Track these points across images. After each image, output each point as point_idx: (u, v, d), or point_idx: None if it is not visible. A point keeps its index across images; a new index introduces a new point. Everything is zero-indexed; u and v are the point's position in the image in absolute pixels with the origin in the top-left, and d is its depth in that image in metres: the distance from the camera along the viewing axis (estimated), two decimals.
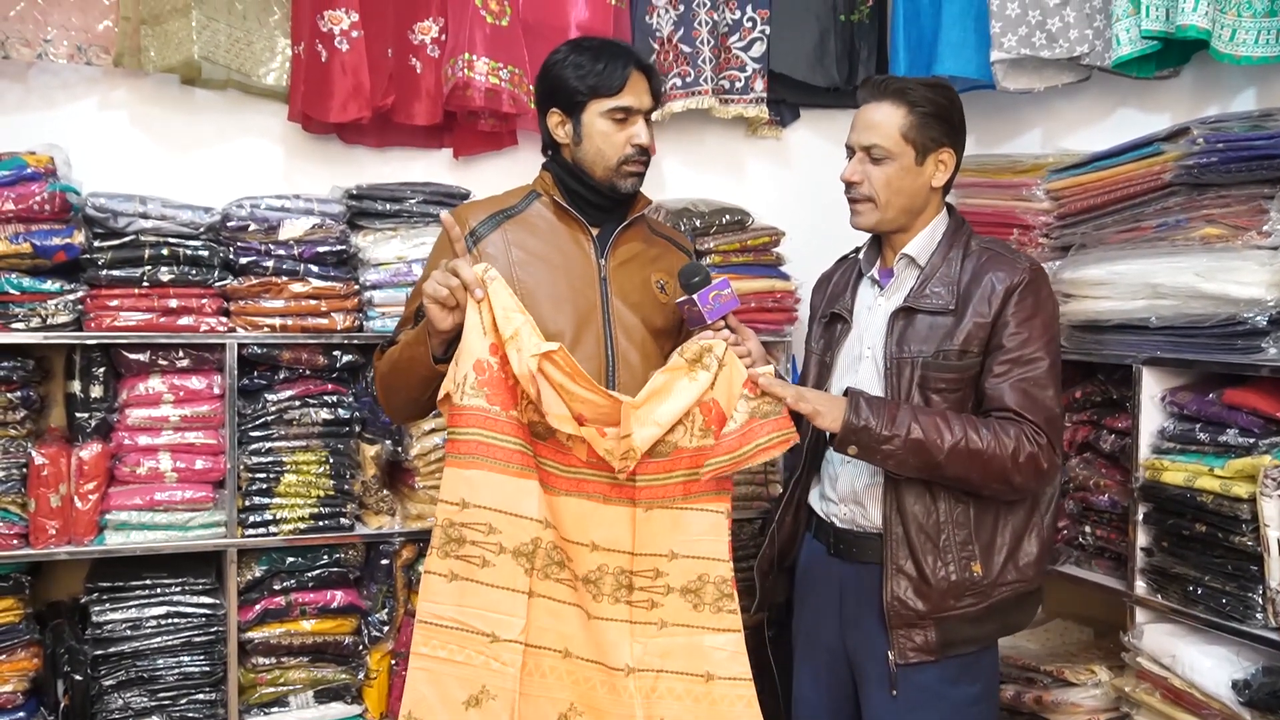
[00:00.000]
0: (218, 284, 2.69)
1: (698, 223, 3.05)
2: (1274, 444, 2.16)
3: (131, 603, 2.64)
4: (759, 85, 3.29)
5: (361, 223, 2.87)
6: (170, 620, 2.65)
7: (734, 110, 3.30)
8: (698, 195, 3.25)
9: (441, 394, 1.95)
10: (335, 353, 2.81)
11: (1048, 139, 3.19)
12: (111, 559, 2.67)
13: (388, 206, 2.87)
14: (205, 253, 2.68)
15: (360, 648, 2.82)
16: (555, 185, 2.14)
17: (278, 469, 2.73)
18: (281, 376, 2.79)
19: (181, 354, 2.70)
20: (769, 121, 3.41)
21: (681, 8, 3.20)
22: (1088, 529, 2.62)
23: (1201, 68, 2.71)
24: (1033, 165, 2.83)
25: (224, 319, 2.70)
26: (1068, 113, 3.13)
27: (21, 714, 2.55)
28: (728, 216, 3.12)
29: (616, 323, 2.11)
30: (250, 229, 2.72)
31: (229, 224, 2.72)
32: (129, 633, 2.62)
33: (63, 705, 2.57)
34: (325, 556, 2.80)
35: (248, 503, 2.71)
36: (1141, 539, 2.41)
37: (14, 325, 2.53)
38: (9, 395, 2.55)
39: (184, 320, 2.66)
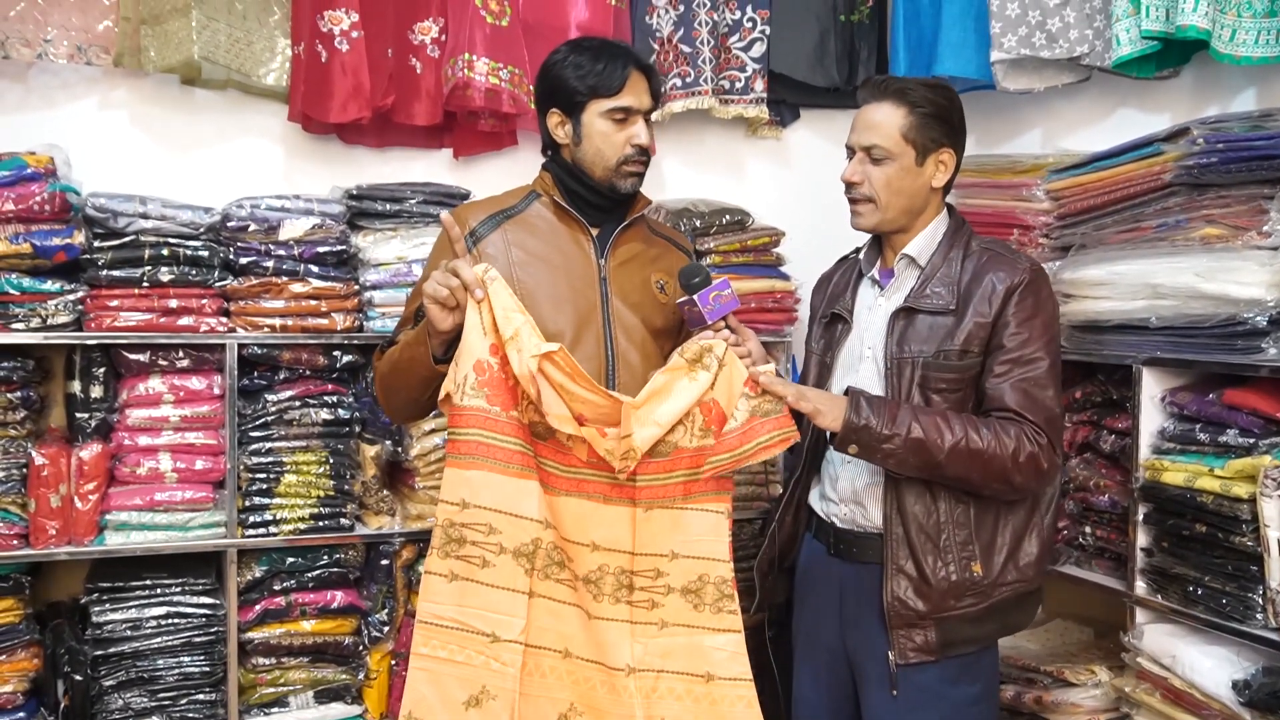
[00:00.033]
0: (218, 284, 2.69)
1: (698, 223, 3.06)
2: (1274, 444, 2.16)
3: (131, 603, 2.64)
4: (759, 85, 3.29)
5: (361, 223, 2.87)
6: (170, 620, 2.65)
7: (734, 110, 3.30)
8: (698, 195, 3.25)
9: (442, 395, 1.95)
10: (335, 353, 2.81)
11: (1048, 139, 3.19)
12: (111, 559, 2.67)
13: (388, 207, 2.87)
14: (205, 253, 2.68)
15: (360, 648, 2.82)
16: (555, 185, 2.14)
17: (278, 469, 2.73)
18: (281, 377, 2.79)
19: (181, 354, 2.70)
20: (769, 122, 3.41)
21: (681, 8, 3.20)
22: (1088, 529, 2.62)
23: (1201, 68, 2.71)
24: (1033, 165, 2.83)
25: (224, 319, 2.70)
26: (1068, 113, 3.13)
27: (21, 714, 2.55)
28: (728, 217, 3.12)
29: (616, 323, 2.11)
30: (250, 229, 2.72)
31: (229, 224, 2.72)
32: (129, 633, 2.62)
33: (63, 705, 2.57)
34: (325, 557, 2.80)
35: (248, 503, 2.71)
36: (1141, 539, 2.41)
37: (14, 325, 2.53)
38: (9, 395, 2.55)
39: (184, 320, 2.66)
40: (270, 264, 2.72)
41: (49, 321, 2.55)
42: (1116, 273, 2.48)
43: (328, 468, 2.77)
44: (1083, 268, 2.57)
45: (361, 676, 2.84)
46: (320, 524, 2.76)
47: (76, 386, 2.67)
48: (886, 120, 2.07)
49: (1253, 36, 2.41)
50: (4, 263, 2.50)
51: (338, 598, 2.79)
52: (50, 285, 2.56)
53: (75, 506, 2.58)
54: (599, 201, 2.14)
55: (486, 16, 2.96)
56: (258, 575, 2.74)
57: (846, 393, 2.01)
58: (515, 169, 3.09)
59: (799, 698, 2.26)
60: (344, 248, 2.80)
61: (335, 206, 2.82)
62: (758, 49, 3.28)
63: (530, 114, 2.88)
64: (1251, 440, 2.19)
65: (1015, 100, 3.19)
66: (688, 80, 3.21)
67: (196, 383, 2.70)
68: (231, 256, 2.72)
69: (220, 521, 2.70)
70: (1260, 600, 2.14)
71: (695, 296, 1.97)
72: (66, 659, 2.58)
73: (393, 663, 2.87)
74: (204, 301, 2.68)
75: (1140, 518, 2.40)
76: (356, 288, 2.81)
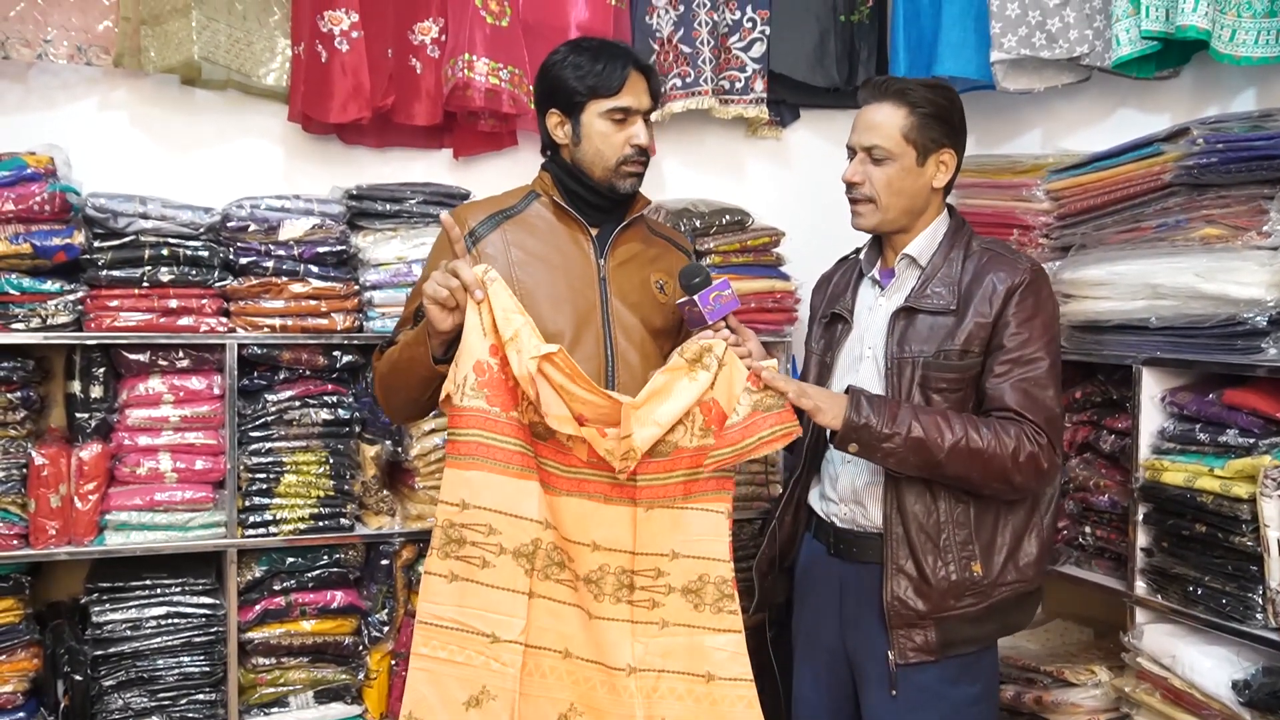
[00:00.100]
0: (218, 284, 2.69)
1: (698, 223, 3.05)
2: (1274, 444, 2.16)
3: (131, 603, 2.64)
4: (759, 85, 3.29)
5: (361, 223, 2.88)
6: (170, 620, 2.65)
7: (734, 110, 3.30)
8: (698, 195, 3.25)
9: (442, 395, 1.95)
10: (335, 353, 2.81)
11: (1048, 139, 3.19)
12: (111, 559, 2.67)
13: (388, 207, 2.87)
14: (205, 253, 2.68)
15: (360, 648, 2.82)
16: (554, 185, 2.14)
17: (278, 469, 2.73)
18: (281, 377, 2.79)
19: (181, 354, 2.70)
20: (769, 122, 3.41)
21: (681, 8, 3.20)
22: (1088, 529, 2.62)
23: (1201, 68, 2.71)
24: (1033, 165, 2.83)
25: (224, 319, 2.70)
26: (1068, 113, 3.13)
27: (21, 714, 2.55)
28: (728, 217, 3.12)
29: (616, 323, 2.11)
30: (250, 229, 2.72)
31: (229, 224, 2.72)
32: (129, 633, 2.62)
33: (63, 705, 2.57)
34: (325, 557, 2.80)
35: (248, 503, 2.71)
36: (1141, 539, 2.41)
37: (14, 325, 2.53)
38: (9, 395, 2.55)
39: (184, 320, 2.66)
40: (270, 264, 2.72)
41: (49, 321, 2.55)
42: (1116, 273, 2.48)
43: (328, 468, 2.77)
44: (1083, 268, 2.57)
45: (361, 676, 2.84)
46: (320, 524, 2.76)
47: (76, 386, 2.67)
48: (887, 121, 2.08)
49: (1253, 36, 2.41)
50: (4, 263, 2.50)
51: (338, 598, 2.79)
52: (50, 285, 2.56)
53: (75, 506, 2.58)
54: (598, 201, 2.14)
55: (486, 17, 2.96)
56: (258, 575, 2.74)
57: (847, 391, 2.01)
58: (515, 169, 3.10)
59: (799, 698, 2.26)
60: (344, 248, 2.80)
61: (335, 206, 2.82)
62: (758, 49, 3.28)
63: (530, 114, 2.88)
64: (1251, 440, 2.19)
65: (1015, 100, 3.19)
66: (688, 80, 3.21)
67: (196, 383, 2.70)
68: (231, 256, 2.72)
69: (220, 521, 2.70)
70: (1260, 600, 2.14)
71: (695, 297, 1.97)
72: (66, 659, 2.58)
73: (393, 663, 2.87)
74: (204, 301, 2.68)
75: (1140, 518, 2.40)
76: (356, 288, 2.81)
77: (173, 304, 2.65)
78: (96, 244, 2.62)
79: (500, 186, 2.27)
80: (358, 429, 2.83)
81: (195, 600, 2.67)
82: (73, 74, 2.86)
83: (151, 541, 2.65)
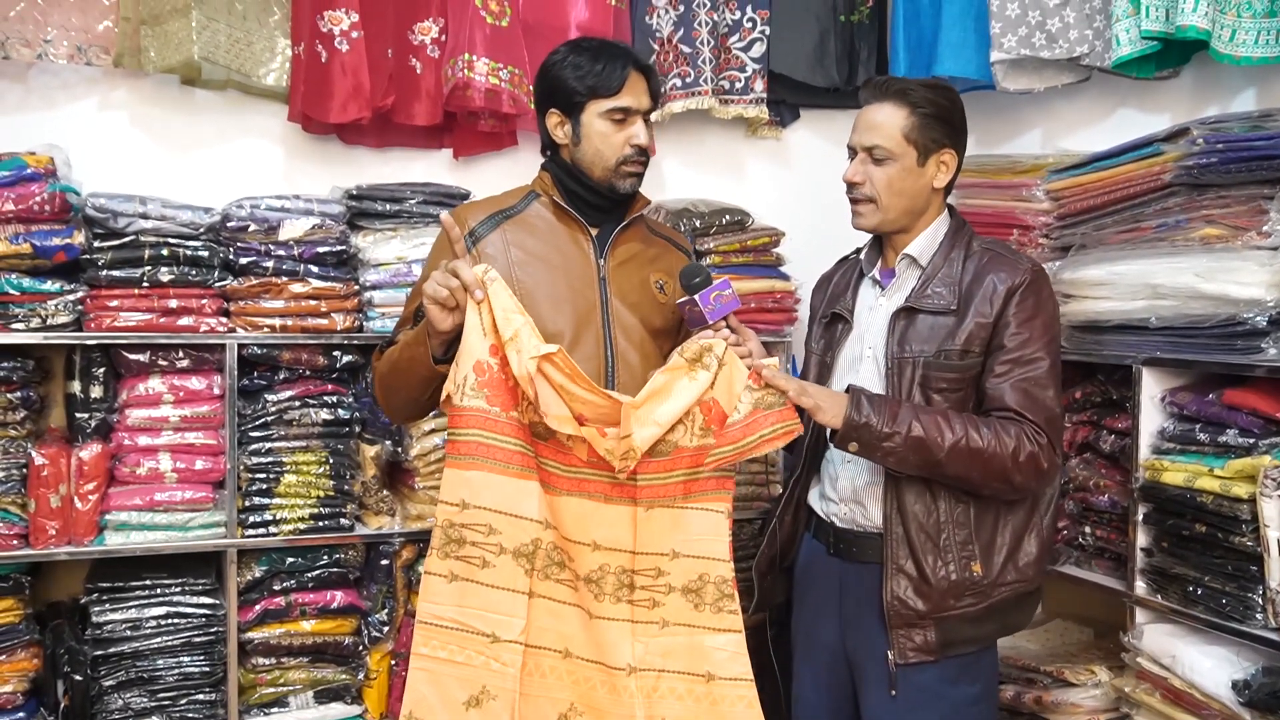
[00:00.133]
0: (218, 284, 2.69)
1: (698, 223, 3.05)
2: (1274, 444, 2.16)
3: (131, 603, 2.64)
4: (759, 86, 3.29)
5: (361, 223, 2.88)
6: (170, 620, 2.65)
7: (734, 111, 3.30)
8: (698, 195, 3.25)
9: (444, 396, 1.95)
10: (335, 353, 2.81)
11: (1048, 139, 3.19)
12: (111, 559, 2.67)
13: (388, 207, 2.87)
14: (205, 253, 2.68)
15: (360, 648, 2.82)
16: (554, 185, 2.14)
17: (278, 469, 2.73)
18: (281, 377, 2.79)
19: (181, 354, 2.70)
20: (769, 122, 3.41)
21: (681, 8, 3.20)
22: (1088, 529, 2.62)
23: (1201, 68, 2.71)
24: (1033, 165, 2.83)
25: (224, 319, 2.70)
26: (1068, 113, 3.13)
27: (21, 714, 2.55)
28: (728, 217, 3.12)
29: (615, 323, 2.11)
30: (250, 229, 2.72)
31: (229, 224, 2.72)
32: (129, 633, 2.62)
33: (63, 705, 2.57)
34: (325, 557, 2.80)
35: (248, 503, 2.71)
36: (1141, 539, 2.41)
37: (14, 325, 2.53)
38: (9, 395, 2.55)
39: (184, 320, 2.66)
40: (270, 264, 2.72)
41: (49, 321, 2.55)
42: (1116, 273, 2.48)
43: (328, 468, 2.77)
44: (1083, 268, 2.57)
45: (361, 676, 2.84)
46: (320, 524, 2.76)
47: (76, 386, 2.67)
48: (888, 121, 2.08)
49: (1252, 37, 2.41)
50: (4, 263, 2.51)
51: (338, 598, 2.79)
52: (50, 285, 2.56)
53: (75, 506, 2.58)
54: (598, 201, 2.14)
55: (486, 17, 2.96)
56: (258, 575, 2.74)
57: (847, 390, 2.01)
58: (515, 169, 3.10)
59: (799, 698, 2.26)
60: (344, 248, 2.80)
61: (335, 206, 2.82)
62: (758, 49, 3.28)
63: (530, 114, 2.88)
64: (1251, 440, 2.19)
65: (1015, 100, 3.19)
66: (688, 80, 3.21)
67: (196, 383, 2.70)
68: (231, 256, 2.72)
69: (220, 521, 2.70)
70: (1260, 600, 2.14)
71: (696, 296, 1.97)
72: (66, 659, 2.58)
73: (393, 663, 2.87)
74: (204, 301, 2.68)
75: (1140, 518, 2.40)
76: (356, 288, 2.81)
77: (173, 304, 2.65)
78: (96, 244, 2.62)
79: (500, 186, 2.27)
80: (358, 429, 2.83)
81: (195, 600, 2.67)
82: (73, 74, 2.86)
83: (151, 541, 2.65)
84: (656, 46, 3.21)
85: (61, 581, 2.86)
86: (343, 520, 2.78)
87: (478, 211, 2.15)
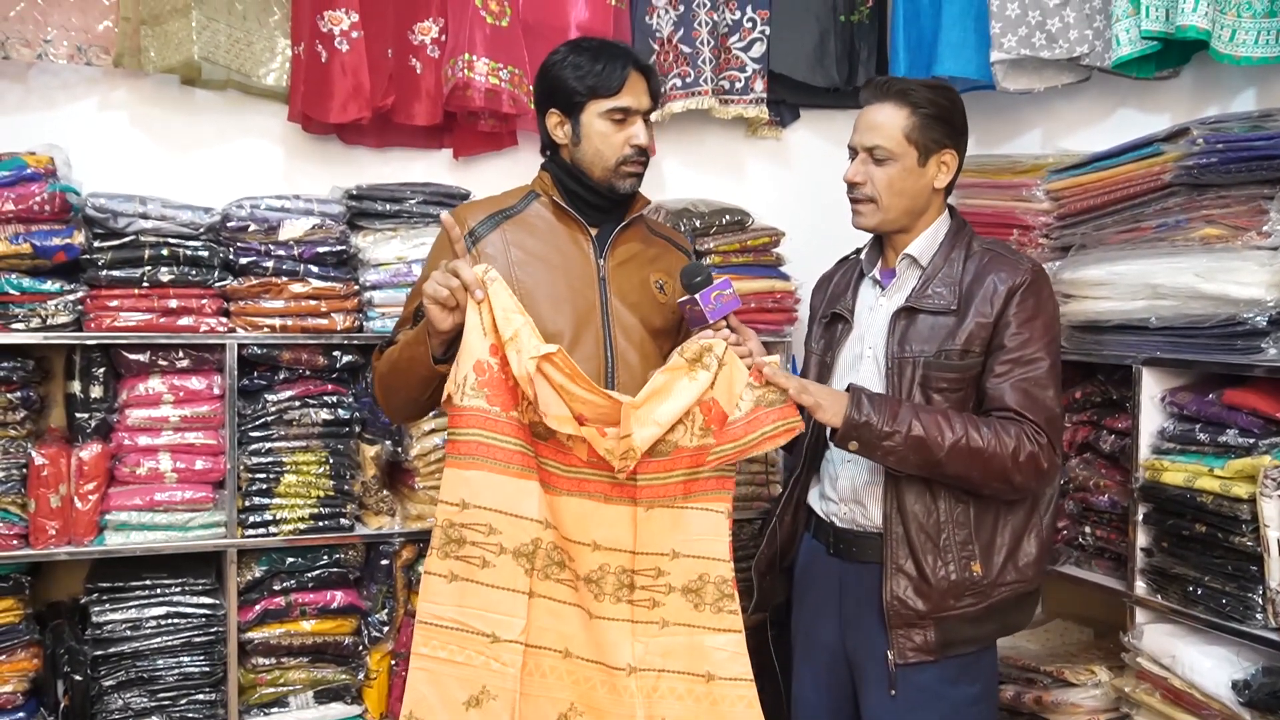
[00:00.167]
0: (218, 284, 2.69)
1: (698, 223, 3.06)
2: (1274, 444, 2.16)
3: (131, 603, 2.64)
4: (759, 86, 3.29)
5: (361, 223, 2.88)
6: (170, 620, 2.65)
7: (734, 111, 3.30)
8: (698, 195, 3.25)
9: (444, 395, 1.95)
10: (335, 353, 2.81)
11: (1048, 139, 3.19)
12: (111, 559, 2.67)
13: (388, 207, 2.87)
14: (205, 253, 2.68)
15: (360, 648, 2.82)
16: (554, 185, 2.14)
17: (278, 469, 2.73)
18: (281, 377, 2.79)
19: (181, 354, 2.70)
20: (769, 122, 3.41)
21: (681, 8, 3.20)
22: (1088, 529, 2.62)
23: (1201, 68, 2.71)
24: (1033, 166, 2.83)
25: (224, 319, 2.70)
26: (1068, 113, 3.13)
27: (21, 714, 2.55)
28: (728, 217, 3.12)
29: (615, 323, 2.11)
30: (250, 229, 2.72)
31: (229, 224, 2.72)
32: (129, 633, 2.62)
33: (63, 705, 2.57)
34: (325, 557, 2.80)
35: (248, 503, 2.71)
36: (1141, 539, 2.41)
37: (14, 325, 2.53)
38: (9, 395, 2.55)
39: (184, 320, 2.66)
40: (270, 264, 2.72)
41: (49, 321, 2.55)
42: (1116, 273, 2.48)
43: (328, 468, 2.76)
44: (1083, 268, 2.57)
45: (361, 676, 2.84)
46: (320, 524, 2.76)
47: (76, 386, 2.67)
48: (889, 121, 2.08)
49: (1252, 37, 2.41)
50: (4, 263, 2.51)
51: (337, 598, 2.79)
52: (50, 285, 2.56)
53: (75, 506, 2.58)
54: (598, 201, 2.14)
55: (486, 17, 2.96)
56: (258, 575, 2.74)
57: (848, 389, 2.01)
58: (515, 169, 3.09)
59: (799, 699, 2.26)
60: (344, 248, 2.80)
61: (335, 206, 2.82)
62: (758, 49, 3.28)
63: (530, 114, 2.88)
64: (1251, 440, 2.19)
65: (1015, 100, 3.19)
66: (688, 80, 3.21)
67: (196, 383, 2.70)
68: (231, 256, 2.72)
69: (220, 521, 2.70)
70: (1260, 600, 2.14)
71: (697, 296, 1.97)
72: (66, 659, 2.58)
73: (393, 663, 2.87)
74: (204, 301, 2.68)
75: (1140, 518, 2.40)
76: (356, 288, 2.81)
77: (173, 304, 2.65)
78: (96, 244, 2.62)
79: (500, 186, 2.27)
80: (358, 429, 2.83)
81: (195, 600, 2.67)
82: (73, 74, 2.86)
83: (151, 541, 2.65)
84: (656, 46, 3.21)
85: (61, 581, 2.86)
86: (343, 520, 2.78)
87: (477, 211, 2.15)
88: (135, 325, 2.62)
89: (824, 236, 2.85)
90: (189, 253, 2.66)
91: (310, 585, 2.77)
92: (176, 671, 2.64)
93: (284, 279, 2.73)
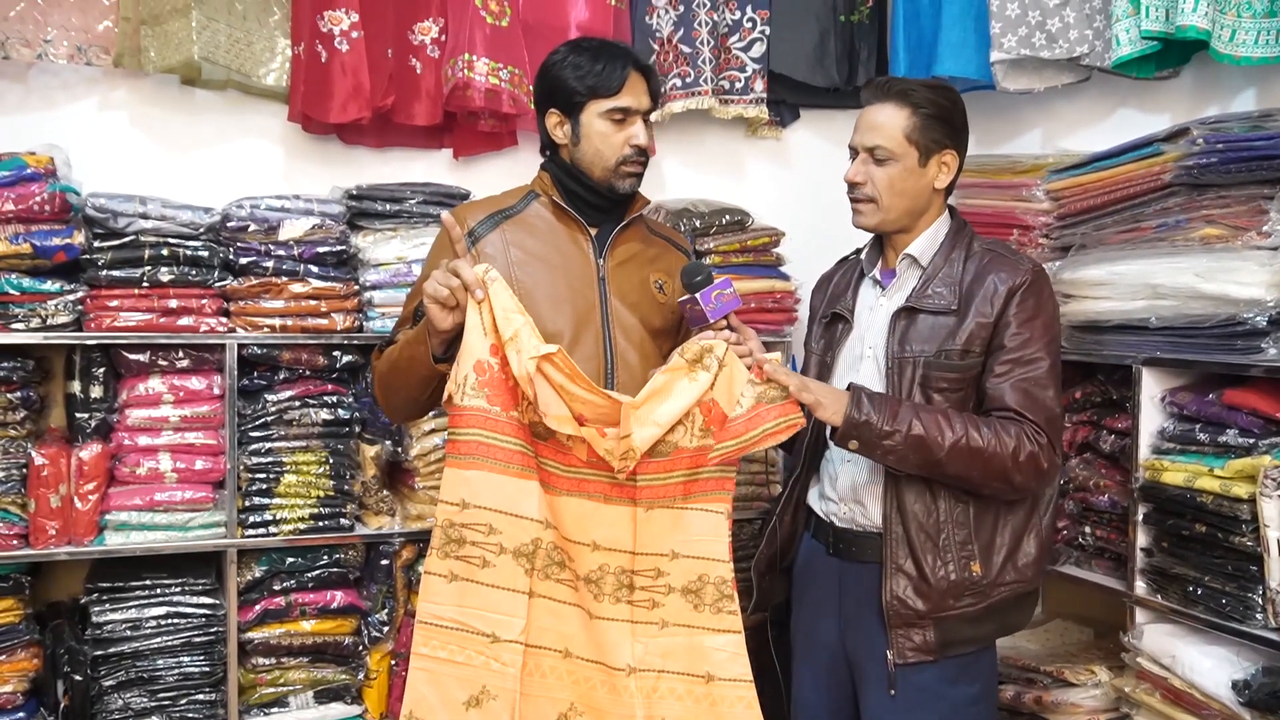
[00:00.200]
0: (218, 284, 2.69)
1: (698, 223, 3.06)
2: (1274, 444, 2.16)
3: (131, 603, 2.64)
4: (759, 86, 3.29)
5: (361, 223, 2.88)
6: (170, 620, 2.65)
7: (734, 111, 3.30)
8: (698, 195, 3.25)
9: (445, 395, 1.95)
10: (335, 353, 2.81)
11: (1048, 139, 3.19)
12: (111, 559, 2.67)
13: (388, 207, 2.87)
14: (205, 253, 2.68)
15: (360, 648, 2.82)
16: (554, 185, 2.14)
17: (278, 469, 2.73)
18: (281, 377, 2.79)
19: (181, 354, 2.70)
20: (769, 122, 3.41)
21: (681, 8, 3.20)
22: (1088, 529, 2.62)
23: (1201, 68, 2.71)
24: (1032, 166, 2.83)
25: (224, 319, 2.70)
26: (1068, 113, 3.13)
27: (21, 714, 2.55)
28: (728, 217, 3.12)
29: (615, 323, 2.11)
30: (250, 229, 2.72)
31: (229, 224, 2.72)
32: (129, 633, 2.62)
33: (63, 705, 2.57)
34: (325, 557, 2.80)
35: (248, 503, 2.71)
36: (1141, 539, 2.41)
37: (14, 325, 2.53)
38: (9, 395, 2.55)
39: (184, 320, 2.66)
40: (270, 264, 2.72)
41: (49, 321, 2.55)
42: (1116, 273, 2.48)
43: (328, 468, 2.76)
44: (1083, 268, 2.57)
45: (361, 676, 2.84)
46: (320, 524, 2.76)
47: (76, 386, 2.67)
48: (890, 121, 2.08)
49: (1252, 37, 2.41)
50: (4, 263, 2.51)
51: (337, 598, 2.79)
52: (50, 285, 2.56)
53: (75, 506, 2.58)
54: (597, 201, 2.14)
55: (486, 17, 2.96)
56: (257, 575, 2.74)
57: (848, 388, 2.01)
58: (515, 169, 3.09)
59: (799, 699, 2.26)
60: (344, 248, 2.80)
61: (335, 206, 2.82)
62: (758, 49, 3.28)
63: (530, 114, 2.88)
64: (1251, 440, 2.19)
65: (1015, 100, 3.19)
66: (688, 80, 3.21)
67: (196, 383, 2.70)
68: (231, 256, 2.72)
69: (220, 521, 2.70)
70: (1260, 600, 2.14)
71: (698, 295, 1.97)
72: (66, 659, 2.58)
73: (392, 663, 2.87)
74: (204, 301, 2.68)
75: (1140, 518, 2.40)
76: (356, 288, 2.81)
77: (173, 304, 2.65)
78: (96, 244, 2.62)
79: (500, 186, 2.27)
80: (358, 429, 2.83)
81: (195, 600, 2.68)
82: (73, 74, 2.86)
83: (151, 541, 2.65)
84: (656, 46, 3.21)
85: (61, 581, 2.86)
86: (343, 520, 2.78)
87: (477, 211, 2.15)
88: (135, 325, 2.62)
89: (824, 236, 2.85)
90: (189, 253, 2.67)
91: (310, 585, 2.77)
92: (176, 671, 2.64)
93: (284, 279, 2.73)
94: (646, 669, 1.94)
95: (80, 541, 2.60)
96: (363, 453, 2.83)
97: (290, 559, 2.77)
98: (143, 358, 2.67)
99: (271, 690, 2.76)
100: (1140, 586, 2.41)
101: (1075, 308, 2.57)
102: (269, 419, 2.73)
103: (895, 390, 2.06)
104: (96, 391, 2.67)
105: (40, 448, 2.58)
